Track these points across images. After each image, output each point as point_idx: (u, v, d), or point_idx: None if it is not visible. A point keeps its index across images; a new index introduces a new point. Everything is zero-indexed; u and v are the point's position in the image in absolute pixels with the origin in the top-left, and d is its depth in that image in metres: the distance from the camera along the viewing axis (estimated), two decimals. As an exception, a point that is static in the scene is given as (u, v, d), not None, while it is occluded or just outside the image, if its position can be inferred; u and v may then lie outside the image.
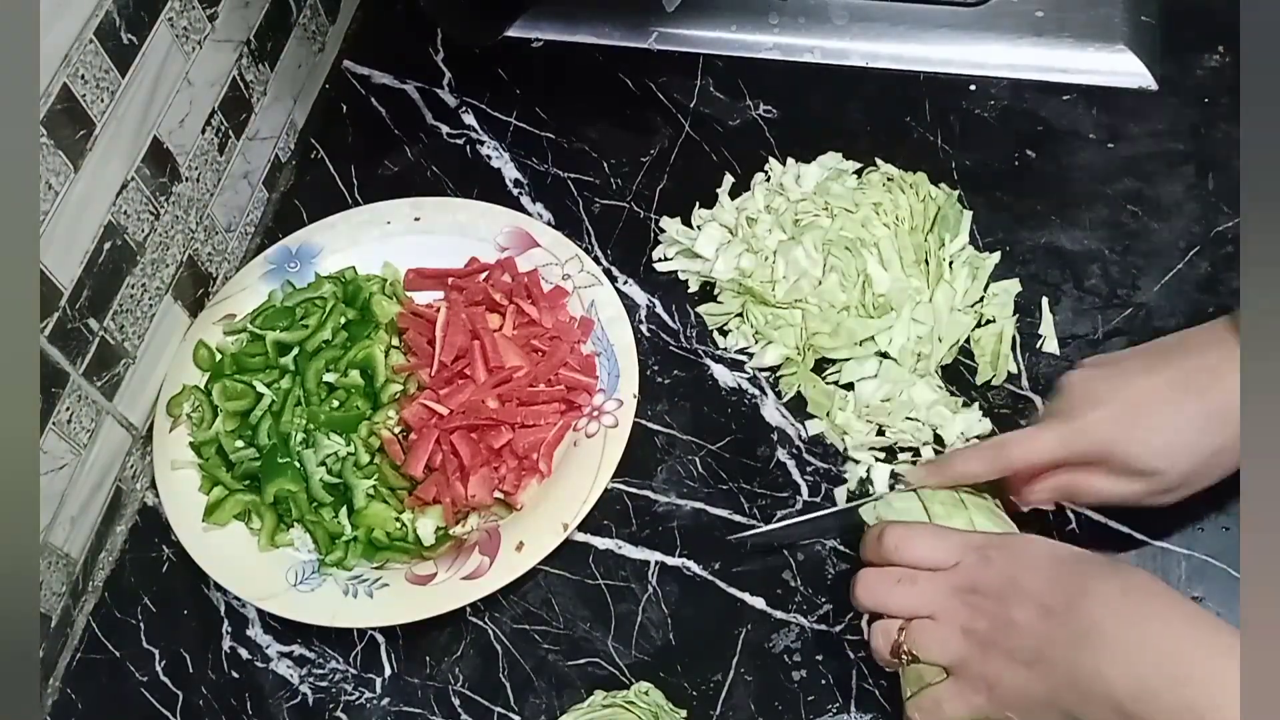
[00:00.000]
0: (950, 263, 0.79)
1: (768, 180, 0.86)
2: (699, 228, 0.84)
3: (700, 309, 0.82)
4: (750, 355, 0.79)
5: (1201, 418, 0.62)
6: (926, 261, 0.79)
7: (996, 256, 0.80)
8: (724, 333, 0.81)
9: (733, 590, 0.71)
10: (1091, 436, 0.63)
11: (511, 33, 0.96)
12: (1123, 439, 0.62)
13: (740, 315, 0.80)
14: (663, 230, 0.85)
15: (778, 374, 0.78)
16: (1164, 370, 0.64)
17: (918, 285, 0.78)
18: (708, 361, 0.80)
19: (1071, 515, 0.71)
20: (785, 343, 0.78)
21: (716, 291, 0.82)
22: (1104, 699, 0.53)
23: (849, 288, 0.78)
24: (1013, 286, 0.79)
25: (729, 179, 0.86)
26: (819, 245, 0.79)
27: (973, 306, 0.78)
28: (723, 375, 0.79)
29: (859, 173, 0.85)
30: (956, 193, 0.82)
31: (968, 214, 0.82)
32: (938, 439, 0.74)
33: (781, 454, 0.75)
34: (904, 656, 0.59)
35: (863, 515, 0.67)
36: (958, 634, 0.58)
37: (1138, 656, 0.52)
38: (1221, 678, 0.50)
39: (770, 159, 0.87)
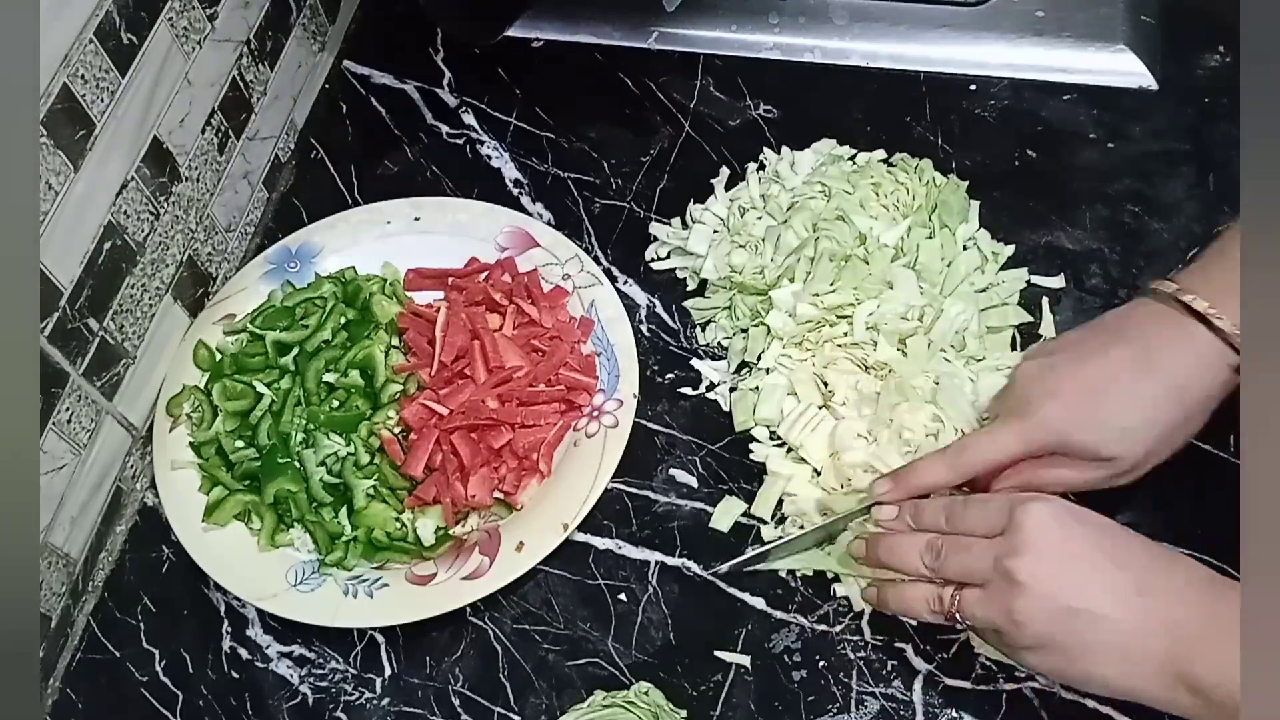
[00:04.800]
0: (964, 247, 0.79)
1: (761, 169, 0.86)
2: (694, 220, 0.84)
3: (687, 303, 0.82)
4: (726, 349, 0.79)
5: (1157, 395, 0.62)
6: (931, 238, 0.79)
7: (1010, 249, 0.80)
8: (704, 327, 0.81)
9: (733, 590, 0.71)
10: (1049, 429, 0.63)
11: (511, 33, 0.96)
12: (1080, 428, 0.62)
13: (727, 308, 0.80)
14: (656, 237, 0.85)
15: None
16: (1114, 350, 0.63)
17: (923, 241, 0.78)
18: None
19: (1071, 515, 0.71)
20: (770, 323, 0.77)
21: (709, 289, 0.82)
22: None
23: (847, 242, 0.77)
24: (1020, 275, 0.79)
25: (725, 172, 0.86)
26: (809, 225, 0.79)
27: (981, 293, 0.78)
28: (721, 374, 0.79)
29: (853, 158, 0.85)
30: (965, 183, 0.82)
31: (974, 203, 0.82)
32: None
33: (781, 454, 0.75)
34: (957, 623, 0.61)
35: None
36: (1003, 604, 0.59)
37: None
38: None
39: (765, 149, 0.88)
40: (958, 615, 0.60)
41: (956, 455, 0.65)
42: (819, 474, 0.72)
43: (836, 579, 0.70)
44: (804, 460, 0.73)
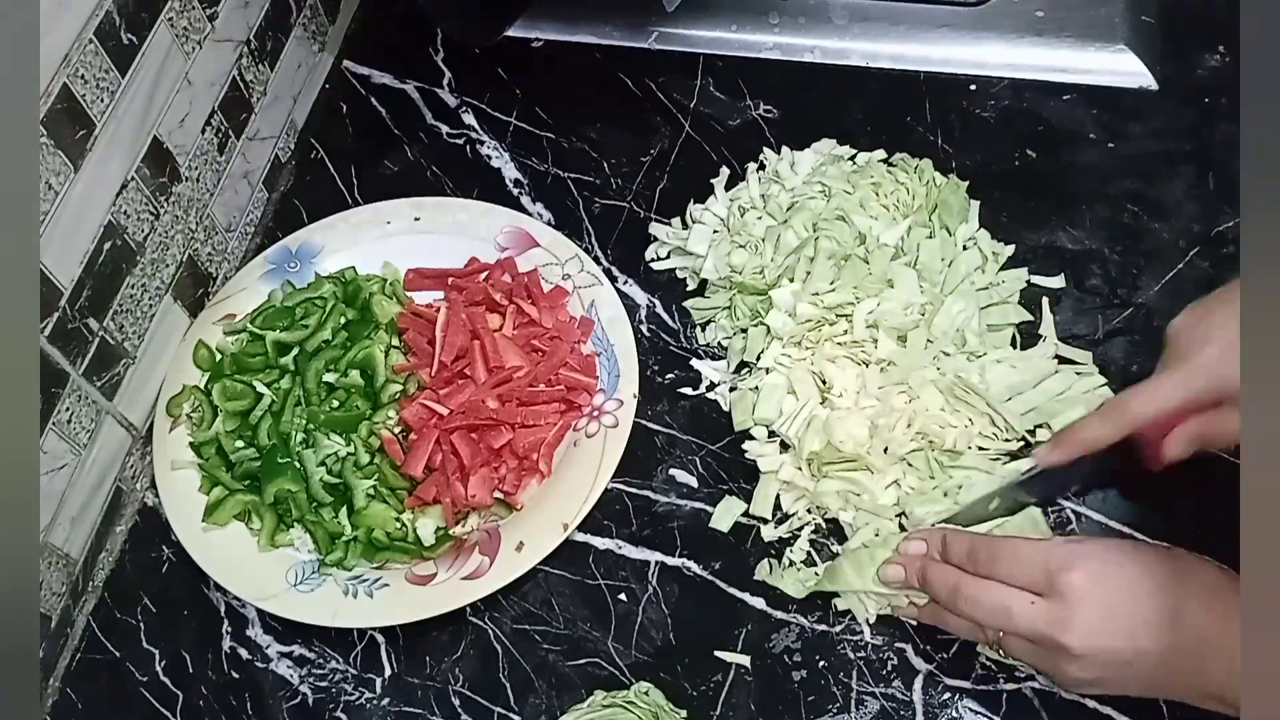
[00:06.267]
0: (964, 247, 0.79)
1: (761, 169, 0.86)
2: (694, 220, 0.84)
3: (687, 303, 0.82)
4: (726, 349, 0.79)
5: None
6: (931, 238, 0.79)
7: (1010, 249, 0.81)
8: (704, 327, 0.81)
9: (733, 590, 0.71)
10: (1208, 372, 0.62)
11: (511, 33, 0.96)
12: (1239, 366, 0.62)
13: (727, 308, 0.80)
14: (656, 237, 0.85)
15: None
16: None
17: (923, 241, 0.78)
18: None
19: (1072, 515, 0.71)
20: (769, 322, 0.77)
21: (709, 289, 0.82)
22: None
23: (847, 242, 0.77)
24: (1020, 275, 0.79)
25: (725, 172, 0.86)
26: (809, 225, 0.79)
27: (981, 291, 0.78)
28: (721, 374, 0.79)
29: (853, 158, 0.85)
30: (965, 183, 0.82)
31: (975, 203, 0.82)
32: None
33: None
34: (998, 652, 0.65)
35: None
36: (1054, 661, 0.60)
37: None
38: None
39: (765, 149, 0.88)
40: (1001, 652, 0.63)
41: (1117, 410, 0.65)
42: (809, 464, 0.72)
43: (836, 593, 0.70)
44: (789, 447, 0.73)
